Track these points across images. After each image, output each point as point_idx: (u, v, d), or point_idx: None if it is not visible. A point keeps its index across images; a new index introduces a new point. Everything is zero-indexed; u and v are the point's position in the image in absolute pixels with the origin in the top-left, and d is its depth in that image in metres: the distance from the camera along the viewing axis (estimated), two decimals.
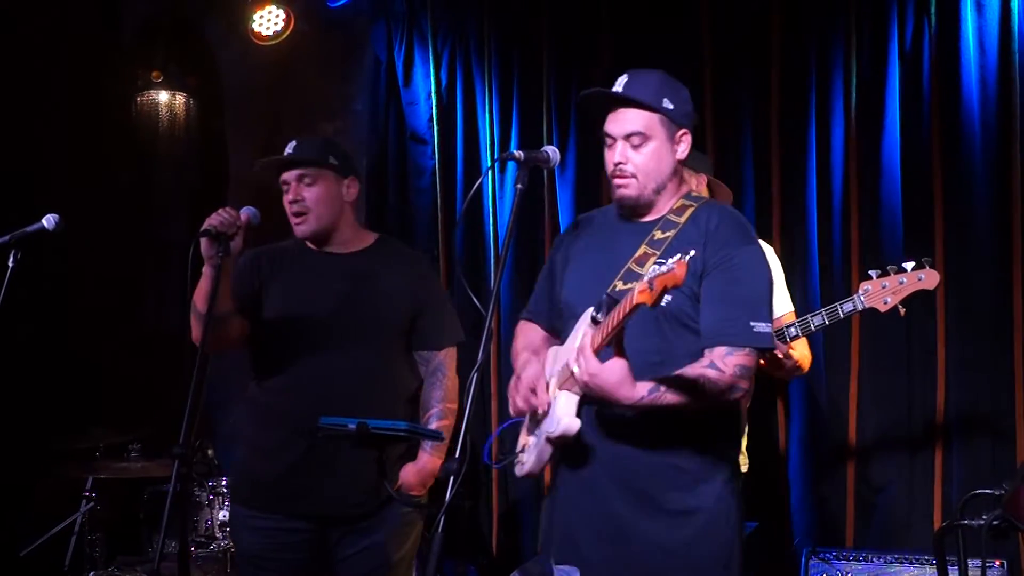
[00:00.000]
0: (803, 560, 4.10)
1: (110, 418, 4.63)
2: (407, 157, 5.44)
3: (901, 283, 3.23)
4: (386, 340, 3.21)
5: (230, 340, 3.12)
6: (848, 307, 3.30)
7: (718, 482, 2.59)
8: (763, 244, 3.76)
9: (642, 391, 2.40)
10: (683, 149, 2.66)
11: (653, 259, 2.55)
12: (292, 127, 5.76)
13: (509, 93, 5.14)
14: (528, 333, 2.90)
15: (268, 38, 5.45)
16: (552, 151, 2.63)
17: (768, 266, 2.65)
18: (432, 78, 5.34)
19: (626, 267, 2.60)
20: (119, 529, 4.66)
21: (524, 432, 2.72)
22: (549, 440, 2.55)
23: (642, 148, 2.60)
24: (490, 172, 5.17)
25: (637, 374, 2.41)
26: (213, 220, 2.86)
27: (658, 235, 2.61)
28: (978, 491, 3.16)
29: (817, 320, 3.35)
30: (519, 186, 2.57)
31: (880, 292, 3.24)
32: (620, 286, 2.56)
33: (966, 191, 4.31)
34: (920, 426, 4.39)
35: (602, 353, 2.40)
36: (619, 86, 2.65)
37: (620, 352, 2.38)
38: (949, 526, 3.16)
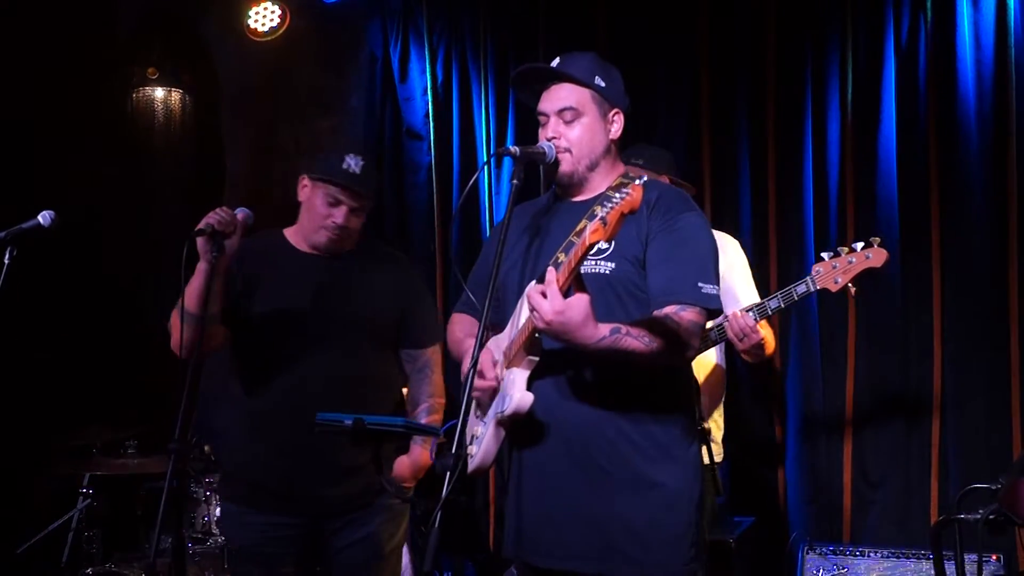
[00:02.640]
0: (800, 555, 4.11)
1: (107, 415, 4.62)
2: (403, 153, 5.44)
3: (850, 263, 3.25)
4: (374, 340, 3.21)
5: (213, 344, 3.06)
6: (801, 288, 3.32)
7: (678, 457, 2.55)
8: (727, 237, 3.77)
9: (604, 331, 2.36)
10: (616, 129, 2.66)
11: None
12: (288, 123, 5.76)
13: (505, 89, 5.14)
14: (464, 323, 2.87)
15: (264, 34, 5.46)
16: (548, 146, 2.63)
17: (711, 233, 2.63)
18: (428, 74, 5.34)
19: (567, 240, 2.56)
20: (116, 525, 4.65)
21: (472, 422, 2.67)
22: (501, 422, 2.51)
23: (575, 123, 2.62)
24: (486, 168, 5.17)
25: None
26: (211, 219, 2.85)
27: (598, 210, 2.60)
28: (975, 485, 3.16)
29: (773, 303, 3.35)
30: (515, 181, 2.55)
31: (831, 272, 3.26)
32: (562, 258, 2.52)
33: (962, 185, 4.32)
34: (917, 421, 4.39)
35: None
36: (552, 63, 2.67)
37: (582, 290, 2.34)
38: (946, 520, 3.17)
